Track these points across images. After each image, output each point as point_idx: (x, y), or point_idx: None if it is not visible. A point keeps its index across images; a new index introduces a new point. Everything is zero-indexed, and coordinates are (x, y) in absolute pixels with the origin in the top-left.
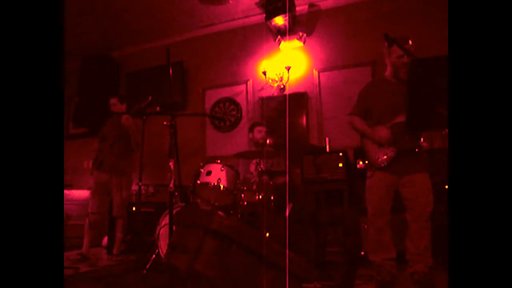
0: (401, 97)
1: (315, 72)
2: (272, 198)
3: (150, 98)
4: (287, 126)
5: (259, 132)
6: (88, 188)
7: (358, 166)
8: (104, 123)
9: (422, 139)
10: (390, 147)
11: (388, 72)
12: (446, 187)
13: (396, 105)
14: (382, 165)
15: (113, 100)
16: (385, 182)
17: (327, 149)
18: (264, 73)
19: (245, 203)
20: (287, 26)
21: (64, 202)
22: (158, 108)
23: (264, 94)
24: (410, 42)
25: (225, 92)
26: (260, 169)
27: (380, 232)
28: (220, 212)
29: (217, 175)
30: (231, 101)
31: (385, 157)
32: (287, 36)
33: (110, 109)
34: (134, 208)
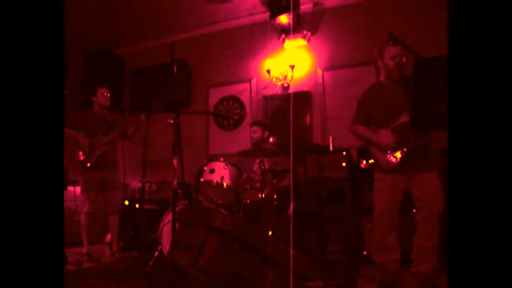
0: (400, 98)
1: (319, 71)
2: (275, 196)
3: (160, 104)
4: (291, 124)
5: (253, 132)
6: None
7: (361, 165)
8: (79, 115)
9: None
10: (398, 149)
11: (382, 75)
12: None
13: (397, 107)
14: (394, 167)
15: (104, 89)
16: (395, 183)
17: (331, 148)
18: (268, 71)
19: (248, 201)
20: (292, 25)
21: (68, 199)
22: (161, 106)
23: (268, 92)
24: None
25: (229, 90)
26: (263, 168)
27: (386, 233)
28: (223, 210)
29: (220, 173)
30: (235, 99)
31: (394, 160)
32: (292, 35)
33: (93, 99)
34: (137, 205)
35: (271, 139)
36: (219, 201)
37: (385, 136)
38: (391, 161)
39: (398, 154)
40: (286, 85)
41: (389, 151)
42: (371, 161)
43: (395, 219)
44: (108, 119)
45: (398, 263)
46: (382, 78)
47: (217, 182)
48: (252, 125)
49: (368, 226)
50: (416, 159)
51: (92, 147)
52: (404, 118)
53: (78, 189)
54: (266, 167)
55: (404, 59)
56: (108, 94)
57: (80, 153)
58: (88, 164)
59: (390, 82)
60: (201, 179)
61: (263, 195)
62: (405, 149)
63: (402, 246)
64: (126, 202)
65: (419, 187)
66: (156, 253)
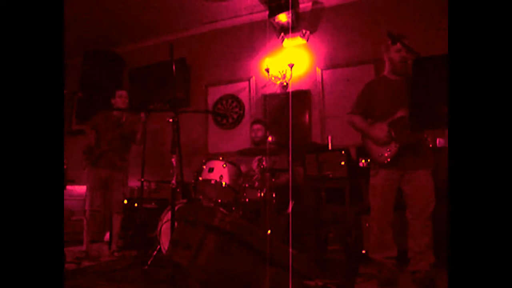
0: (400, 93)
1: (318, 70)
2: (274, 195)
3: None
4: (290, 123)
5: (256, 130)
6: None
7: (360, 164)
8: (96, 114)
9: (425, 135)
10: (392, 143)
11: (387, 69)
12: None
13: (396, 101)
14: (386, 161)
15: (122, 92)
16: (389, 179)
17: (330, 147)
18: (267, 70)
19: (247, 200)
20: (290, 23)
21: (67, 198)
22: (160, 105)
23: (267, 91)
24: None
25: (227, 89)
26: (262, 166)
27: (383, 230)
28: (222, 209)
29: (219, 172)
30: (234, 98)
31: (387, 153)
32: (290, 34)
33: (112, 102)
34: (136, 204)
35: (270, 138)
36: (218, 200)
37: (380, 129)
38: (385, 154)
39: (393, 147)
40: (285, 84)
41: (382, 145)
42: (369, 159)
43: (390, 216)
44: (122, 120)
45: (395, 261)
46: (386, 72)
47: (216, 181)
48: (254, 123)
49: (367, 225)
50: (410, 156)
51: (97, 146)
52: (401, 113)
53: (77, 188)
54: (265, 166)
55: (408, 54)
56: (126, 98)
57: (86, 150)
58: (90, 162)
59: (394, 76)
60: (200, 178)
61: (262, 194)
62: (398, 144)
63: (399, 245)
64: (125, 201)
65: (410, 184)
66: (155, 252)
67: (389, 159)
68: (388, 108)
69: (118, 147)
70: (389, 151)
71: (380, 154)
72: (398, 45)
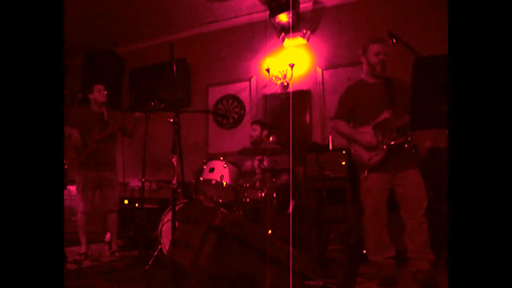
0: (381, 95)
1: (319, 70)
2: (274, 195)
3: (158, 103)
4: (290, 123)
5: (253, 130)
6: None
7: None
8: (76, 112)
9: (409, 134)
10: (380, 146)
11: (364, 72)
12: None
13: (378, 104)
14: (376, 162)
15: (99, 86)
16: (381, 182)
17: (330, 147)
18: (268, 70)
19: (248, 200)
20: (291, 23)
21: (68, 198)
22: (161, 105)
23: (268, 91)
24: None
25: (228, 89)
26: (263, 166)
27: (379, 232)
28: (222, 209)
29: (220, 172)
30: (235, 98)
31: (376, 157)
32: (291, 33)
33: (90, 97)
34: (137, 204)
35: (271, 138)
36: (219, 200)
37: (366, 133)
38: (373, 157)
39: (380, 150)
40: (285, 84)
41: (371, 149)
42: (358, 162)
43: (384, 217)
44: (104, 116)
45: (394, 260)
46: (363, 75)
47: (216, 181)
48: (252, 123)
49: None
50: (398, 157)
51: (84, 145)
52: (385, 115)
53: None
54: (266, 165)
55: (386, 57)
56: (105, 91)
57: (73, 151)
58: (79, 162)
59: (373, 79)
60: (201, 178)
61: (263, 194)
62: (385, 147)
63: (397, 245)
64: (126, 201)
65: (402, 184)
66: (156, 252)
67: (378, 162)
68: (372, 111)
69: (107, 145)
70: (377, 154)
71: (368, 158)
72: (376, 48)
